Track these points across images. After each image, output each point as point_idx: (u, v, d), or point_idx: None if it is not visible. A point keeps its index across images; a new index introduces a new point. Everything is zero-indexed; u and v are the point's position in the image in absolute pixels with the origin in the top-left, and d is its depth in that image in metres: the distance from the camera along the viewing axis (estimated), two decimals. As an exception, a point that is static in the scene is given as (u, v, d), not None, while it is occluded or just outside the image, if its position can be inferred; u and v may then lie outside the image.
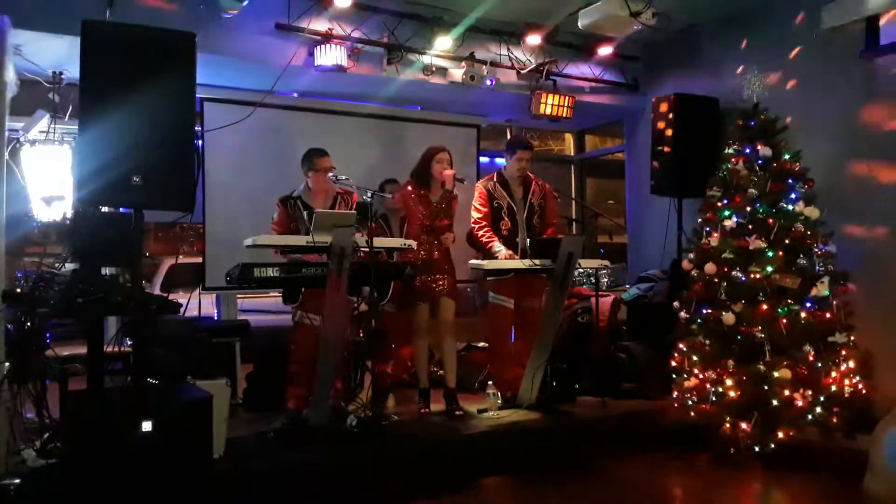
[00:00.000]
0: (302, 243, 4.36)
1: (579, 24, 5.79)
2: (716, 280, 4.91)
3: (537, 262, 5.05)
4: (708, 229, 5.11)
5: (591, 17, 5.67)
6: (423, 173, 5.16)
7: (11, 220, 4.17)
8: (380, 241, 4.63)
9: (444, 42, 6.05)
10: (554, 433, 4.94)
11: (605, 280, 6.67)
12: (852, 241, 5.26)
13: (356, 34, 5.78)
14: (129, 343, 3.94)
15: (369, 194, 4.61)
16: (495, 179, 5.41)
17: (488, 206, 5.32)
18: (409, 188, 5.10)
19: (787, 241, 4.81)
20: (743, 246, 4.85)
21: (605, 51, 6.72)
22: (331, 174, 4.76)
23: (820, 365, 4.62)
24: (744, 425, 4.64)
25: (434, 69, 6.14)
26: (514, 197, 5.38)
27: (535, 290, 5.31)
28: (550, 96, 6.61)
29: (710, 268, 4.93)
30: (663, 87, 6.84)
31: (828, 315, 4.74)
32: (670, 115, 6.23)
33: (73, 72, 5.00)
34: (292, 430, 4.53)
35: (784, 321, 4.65)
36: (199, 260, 5.96)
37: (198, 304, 5.70)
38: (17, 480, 3.59)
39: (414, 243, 4.78)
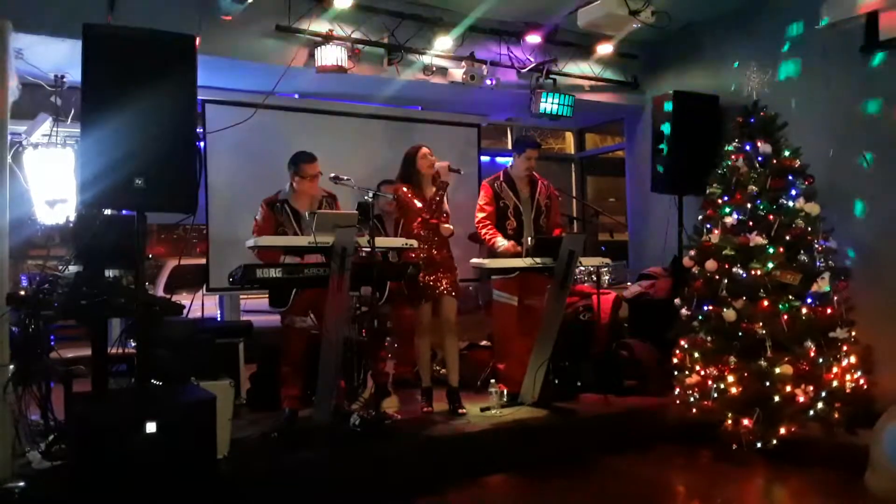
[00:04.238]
0: (304, 244, 4.37)
1: (579, 23, 5.80)
2: (717, 277, 4.91)
3: (538, 260, 5.06)
4: (709, 226, 5.12)
5: (591, 16, 5.68)
6: (410, 173, 5.15)
7: (15, 224, 4.18)
8: (381, 241, 4.64)
9: (444, 42, 6.06)
10: (556, 430, 4.96)
11: (607, 278, 6.66)
12: (852, 236, 5.26)
13: (356, 35, 5.79)
14: (133, 345, 3.95)
15: (370, 195, 4.62)
16: (501, 179, 5.42)
17: (493, 206, 5.34)
18: (405, 188, 5.11)
19: (787, 238, 4.83)
20: (743, 243, 4.86)
21: (604, 49, 6.72)
22: (332, 175, 4.77)
23: (821, 361, 4.62)
24: (746, 421, 4.65)
25: (434, 69, 6.15)
26: (521, 196, 5.39)
27: (538, 288, 5.32)
28: (550, 95, 6.62)
29: (710, 265, 4.94)
30: (663, 84, 6.85)
31: (829, 311, 4.74)
32: (670, 113, 6.24)
33: (74, 75, 5.03)
34: (289, 429, 4.57)
35: (785, 317, 4.66)
36: (203, 261, 5.98)
37: (201, 305, 5.72)
38: (22, 483, 3.61)
39: (415, 243, 4.80)
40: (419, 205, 5.03)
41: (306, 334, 4.78)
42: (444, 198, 5.15)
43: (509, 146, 8.04)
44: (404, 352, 5.76)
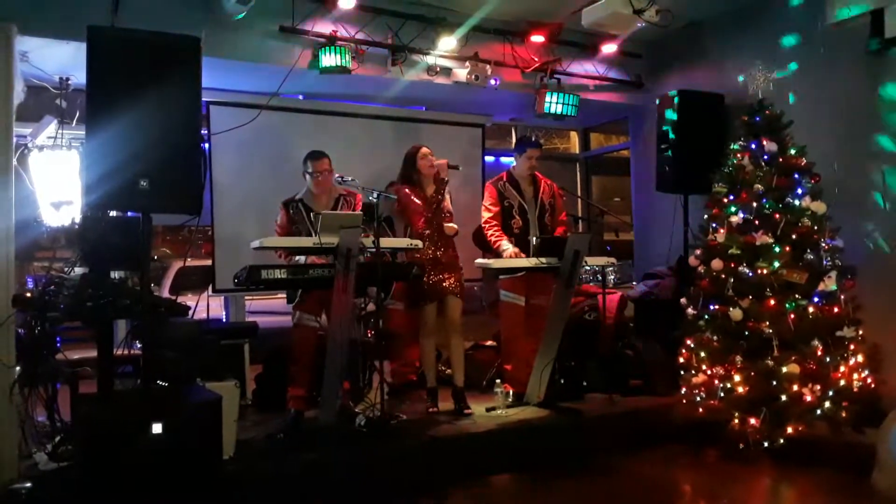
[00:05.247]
0: (308, 245, 4.38)
1: (583, 23, 5.79)
2: (723, 276, 4.90)
3: (544, 260, 5.06)
4: (714, 225, 5.10)
5: (595, 16, 5.67)
6: (411, 174, 5.17)
7: (20, 226, 4.20)
8: (386, 242, 4.64)
9: (448, 42, 6.06)
10: (562, 430, 4.95)
11: (612, 277, 6.66)
12: (859, 235, 5.24)
13: (360, 35, 5.80)
14: (139, 346, 3.96)
15: (375, 195, 4.62)
16: (505, 179, 5.43)
17: (499, 206, 5.34)
18: (406, 189, 5.11)
19: (793, 237, 4.80)
20: (750, 241, 4.84)
21: (609, 48, 6.72)
22: (336, 175, 4.78)
23: (828, 359, 4.60)
24: (752, 421, 4.64)
25: (438, 69, 6.15)
26: (525, 196, 5.39)
27: (545, 288, 5.31)
28: (555, 94, 6.61)
29: (716, 264, 4.93)
30: (668, 83, 6.83)
31: (835, 309, 4.72)
32: (675, 112, 6.22)
33: (79, 77, 5.01)
34: (295, 430, 4.57)
35: (792, 316, 4.64)
36: (209, 262, 6.00)
37: (206, 306, 5.72)
38: (29, 484, 3.63)
39: (420, 243, 4.80)
40: (419, 203, 5.03)
41: (314, 334, 4.77)
42: (447, 196, 5.16)
43: (513, 146, 8.03)
44: (406, 352, 5.76)
